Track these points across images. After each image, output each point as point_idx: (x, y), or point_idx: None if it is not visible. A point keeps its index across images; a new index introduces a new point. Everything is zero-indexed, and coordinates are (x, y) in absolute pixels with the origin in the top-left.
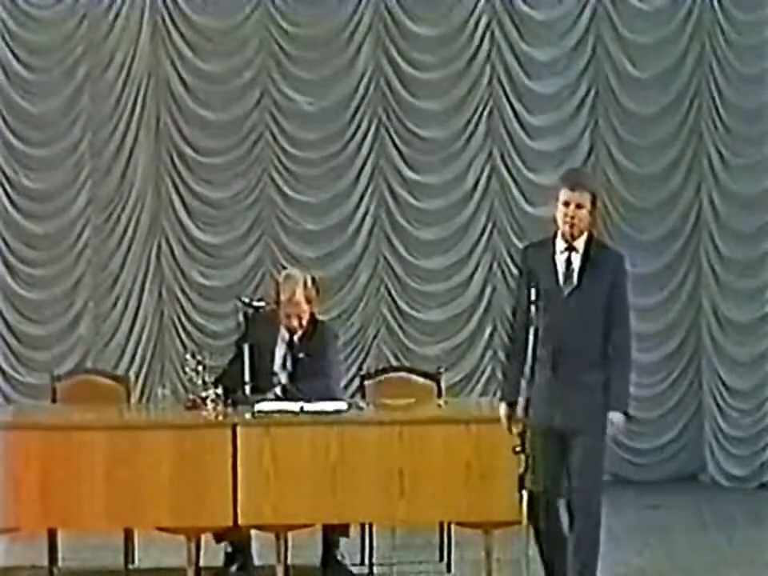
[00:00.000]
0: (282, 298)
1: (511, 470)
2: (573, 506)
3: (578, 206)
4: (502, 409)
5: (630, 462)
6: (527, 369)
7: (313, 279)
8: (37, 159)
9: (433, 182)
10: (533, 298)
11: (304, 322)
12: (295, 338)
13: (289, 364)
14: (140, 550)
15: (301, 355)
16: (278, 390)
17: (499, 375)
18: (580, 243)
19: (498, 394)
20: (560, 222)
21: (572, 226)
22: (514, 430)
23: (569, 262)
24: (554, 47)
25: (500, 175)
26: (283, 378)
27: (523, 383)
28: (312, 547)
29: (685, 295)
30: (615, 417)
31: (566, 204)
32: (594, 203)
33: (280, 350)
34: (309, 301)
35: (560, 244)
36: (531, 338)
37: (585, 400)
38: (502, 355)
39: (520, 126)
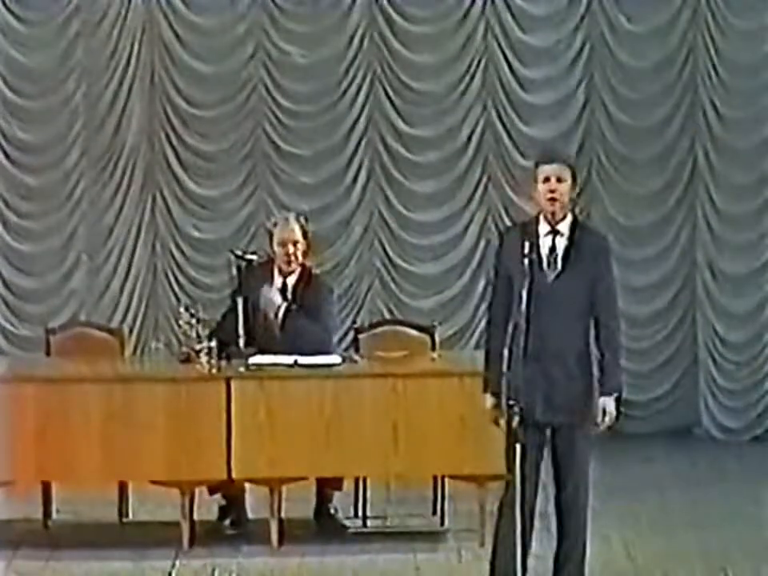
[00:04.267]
0: (276, 231)
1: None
2: (561, 503)
3: (559, 180)
4: (488, 401)
5: (624, 415)
6: (510, 359)
7: (305, 217)
8: (31, 112)
9: (427, 135)
10: (515, 286)
11: (299, 254)
12: (289, 283)
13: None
14: (134, 504)
15: (294, 307)
16: None
17: None
18: (564, 226)
19: (482, 385)
20: (542, 201)
21: (554, 201)
22: (501, 422)
23: (553, 246)
24: (549, 1)
25: (494, 129)
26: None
27: (506, 374)
28: (305, 501)
29: (679, 248)
30: (608, 404)
31: (547, 179)
32: (574, 178)
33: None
34: (305, 233)
35: (543, 227)
36: (511, 328)
37: (570, 390)
38: None
39: (515, 79)
